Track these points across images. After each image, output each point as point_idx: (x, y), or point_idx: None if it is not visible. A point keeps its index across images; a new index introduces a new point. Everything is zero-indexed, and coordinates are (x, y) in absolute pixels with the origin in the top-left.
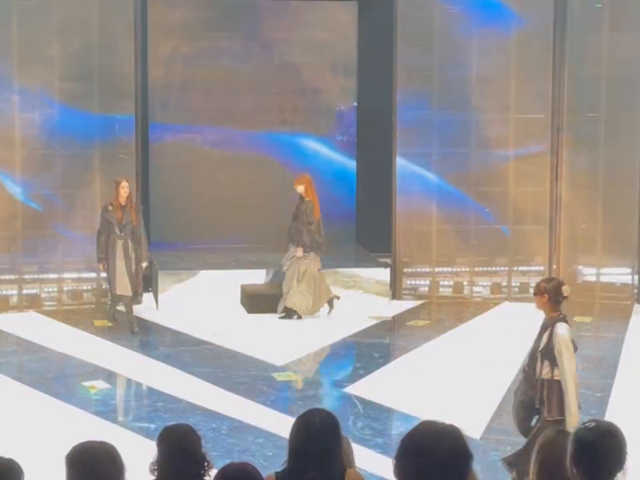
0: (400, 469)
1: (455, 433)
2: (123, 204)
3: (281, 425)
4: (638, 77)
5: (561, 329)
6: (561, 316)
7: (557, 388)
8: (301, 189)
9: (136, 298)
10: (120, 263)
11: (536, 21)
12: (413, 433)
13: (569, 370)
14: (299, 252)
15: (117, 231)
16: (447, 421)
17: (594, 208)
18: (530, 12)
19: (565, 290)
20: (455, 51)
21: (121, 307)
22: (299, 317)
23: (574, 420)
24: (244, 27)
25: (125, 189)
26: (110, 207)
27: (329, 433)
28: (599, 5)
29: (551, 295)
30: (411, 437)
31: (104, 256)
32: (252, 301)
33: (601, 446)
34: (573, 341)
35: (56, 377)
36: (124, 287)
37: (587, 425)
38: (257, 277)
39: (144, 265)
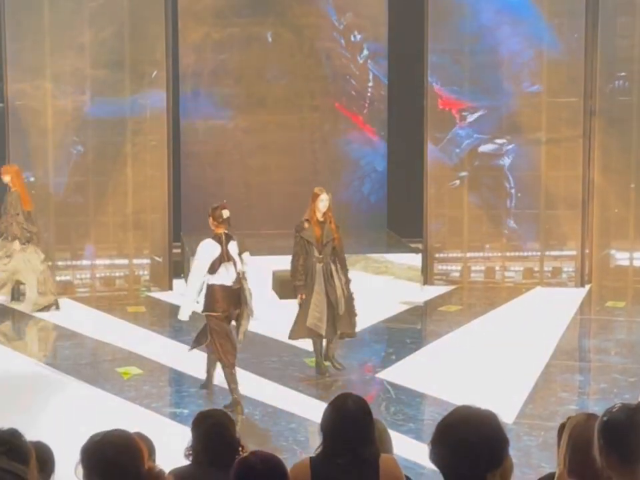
0: (436, 454)
1: (492, 418)
2: (321, 219)
3: (313, 409)
4: None
5: (202, 242)
6: (218, 234)
7: (208, 289)
8: (7, 179)
9: (350, 334)
10: (318, 290)
11: (567, 3)
12: (449, 418)
13: (191, 273)
14: (16, 244)
15: (316, 253)
16: (483, 406)
17: (627, 192)
18: None
19: (224, 213)
20: (486, 35)
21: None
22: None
23: (182, 310)
24: (274, 13)
25: (324, 202)
26: (306, 224)
27: (363, 417)
28: None
29: (213, 217)
30: (447, 421)
31: (303, 283)
32: (284, 286)
33: (632, 423)
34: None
35: (89, 363)
36: (317, 319)
37: (614, 407)
38: (289, 263)
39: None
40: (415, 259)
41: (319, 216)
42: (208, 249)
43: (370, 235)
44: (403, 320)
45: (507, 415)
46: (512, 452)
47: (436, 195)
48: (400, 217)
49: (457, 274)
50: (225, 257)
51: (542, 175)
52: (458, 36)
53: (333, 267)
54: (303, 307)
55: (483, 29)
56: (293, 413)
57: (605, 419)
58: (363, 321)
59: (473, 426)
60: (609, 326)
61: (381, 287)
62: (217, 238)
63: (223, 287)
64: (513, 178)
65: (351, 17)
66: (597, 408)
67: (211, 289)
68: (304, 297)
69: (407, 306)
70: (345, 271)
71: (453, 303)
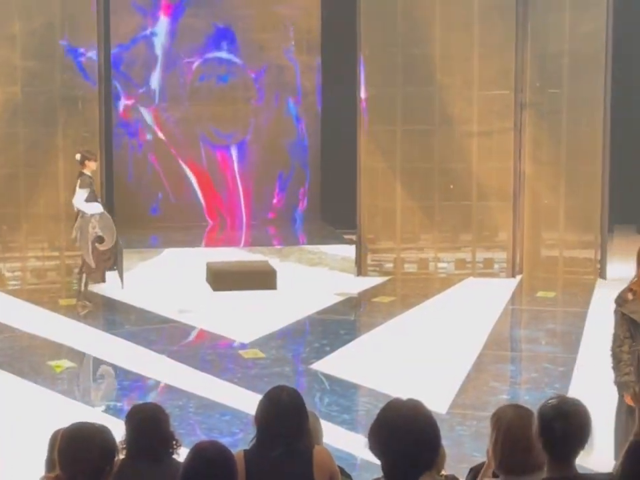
0: (374, 447)
1: (424, 408)
2: None
3: (248, 402)
4: (599, 53)
5: None
6: None
7: None
8: None
9: None
10: None
11: None
12: (386, 412)
13: None
14: None
15: None
16: (411, 397)
17: (557, 183)
18: None
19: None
20: (418, 28)
21: None
22: None
23: None
24: (207, 5)
25: None
26: (630, 295)
27: (296, 409)
28: None
29: None
30: (384, 415)
31: (634, 378)
32: (217, 278)
33: (564, 425)
34: None
35: (21, 356)
36: None
37: (551, 401)
38: (223, 254)
39: None
40: (349, 250)
41: None
42: None
43: (304, 227)
44: (337, 311)
45: (440, 405)
46: (445, 442)
47: (369, 186)
48: (334, 208)
49: (391, 265)
50: None
51: (474, 167)
52: (391, 28)
53: None
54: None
55: (415, 21)
56: (227, 405)
57: (539, 411)
58: (297, 312)
59: (406, 419)
60: (540, 316)
61: (315, 279)
62: None
63: None
64: (445, 170)
65: (284, 8)
66: (528, 397)
67: None
68: (638, 397)
69: (341, 297)
70: None
71: (387, 294)
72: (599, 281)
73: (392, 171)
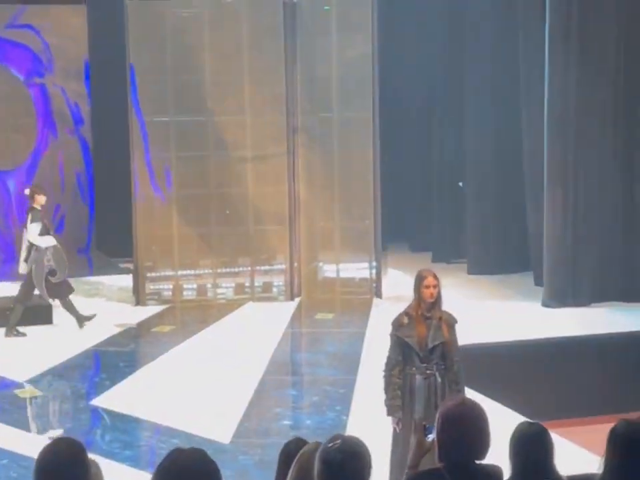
0: None
1: (204, 456)
2: (427, 314)
3: (26, 444)
4: (366, 76)
5: None
6: None
7: None
8: None
9: None
10: (419, 415)
11: (267, 22)
12: (165, 462)
13: None
14: None
15: (417, 361)
16: (193, 446)
17: (331, 206)
18: (260, 13)
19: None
20: (188, 54)
21: None
22: None
23: None
24: None
25: (430, 289)
26: (405, 319)
27: (76, 460)
28: (327, 8)
29: None
30: (163, 465)
31: (399, 403)
32: None
33: (344, 467)
34: None
35: None
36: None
37: (331, 444)
38: None
39: None
40: (126, 280)
41: (425, 308)
42: None
43: (80, 257)
44: (116, 343)
45: (222, 435)
46: (229, 472)
47: (144, 213)
48: (108, 237)
49: (169, 293)
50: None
51: (249, 192)
52: (160, 55)
53: (439, 384)
54: (399, 442)
55: (185, 48)
56: (4, 449)
57: (323, 456)
58: (74, 347)
59: (185, 470)
60: (320, 338)
61: (93, 310)
62: None
63: None
64: (222, 195)
65: (50, 37)
66: (310, 422)
67: None
68: (400, 425)
69: (120, 328)
70: (456, 388)
71: (166, 322)
72: (376, 300)
73: (167, 198)
